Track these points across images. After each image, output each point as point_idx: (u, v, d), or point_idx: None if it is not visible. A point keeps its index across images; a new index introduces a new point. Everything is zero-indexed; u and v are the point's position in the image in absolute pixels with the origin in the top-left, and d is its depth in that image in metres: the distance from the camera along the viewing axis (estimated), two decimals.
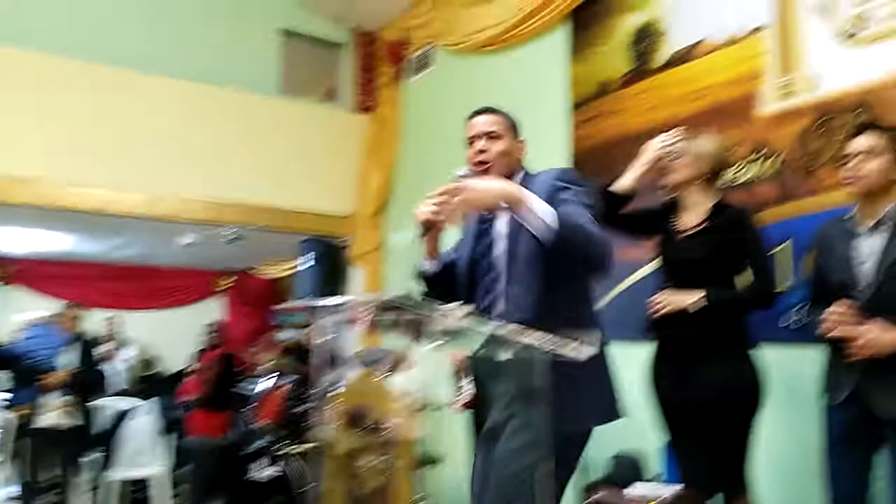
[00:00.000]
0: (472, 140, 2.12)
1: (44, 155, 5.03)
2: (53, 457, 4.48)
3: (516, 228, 1.98)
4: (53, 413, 4.38)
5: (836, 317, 2.23)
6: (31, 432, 4.43)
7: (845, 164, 2.33)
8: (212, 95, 5.74)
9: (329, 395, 2.10)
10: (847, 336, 2.20)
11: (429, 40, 5.81)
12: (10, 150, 4.91)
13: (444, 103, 5.61)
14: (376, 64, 6.53)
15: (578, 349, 1.58)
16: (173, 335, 9.14)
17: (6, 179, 4.91)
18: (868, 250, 2.27)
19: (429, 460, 4.10)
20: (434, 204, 1.93)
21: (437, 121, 5.64)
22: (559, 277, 1.94)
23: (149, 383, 8.78)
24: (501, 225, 2.08)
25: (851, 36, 2.88)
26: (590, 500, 2.99)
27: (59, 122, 5.11)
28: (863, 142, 2.29)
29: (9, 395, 4.90)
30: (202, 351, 6.65)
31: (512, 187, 1.86)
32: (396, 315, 1.86)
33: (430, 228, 2.00)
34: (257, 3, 6.29)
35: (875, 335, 2.14)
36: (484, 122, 2.13)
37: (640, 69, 3.87)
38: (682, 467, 2.64)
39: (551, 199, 1.90)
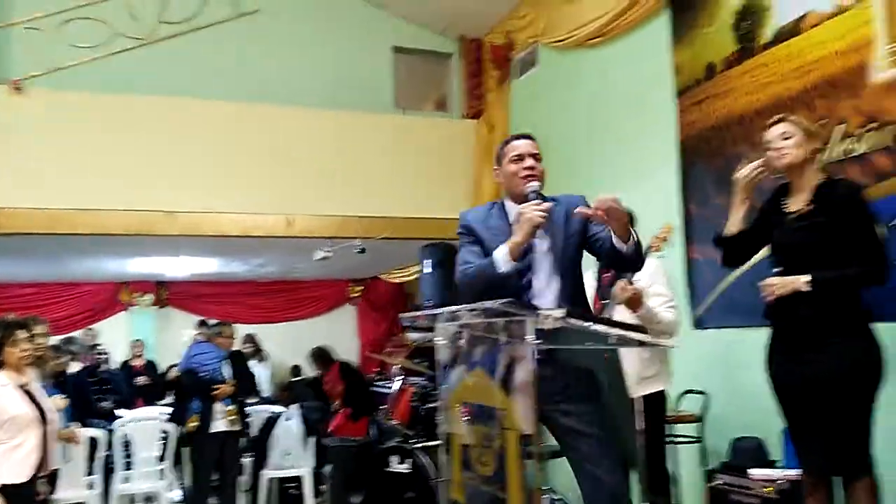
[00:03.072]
0: (519, 157, 2.44)
1: (190, 189, 5.63)
2: (219, 460, 4.94)
3: (559, 239, 2.43)
4: (222, 420, 4.86)
5: None
6: (201, 438, 4.89)
7: None
8: (334, 119, 6.18)
9: (448, 393, 2.26)
10: None
11: (532, 40, 5.91)
12: (157, 187, 5.55)
13: (549, 100, 5.68)
14: (483, 69, 6.69)
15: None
16: (313, 342, 9.76)
17: (157, 215, 5.55)
18: None
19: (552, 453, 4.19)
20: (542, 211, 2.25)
21: (544, 118, 5.70)
22: (579, 277, 2.49)
23: (293, 389, 9.43)
24: (541, 249, 2.44)
25: None
26: (712, 484, 2.98)
27: (200, 158, 5.71)
28: None
29: (171, 408, 5.47)
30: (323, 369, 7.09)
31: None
32: (500, 318, 1.99)
33: (535, 231, 2.29)
34: (369, 26, 6.65)
35: None
36: (530, 145, 2.48)
37: (746, 48, 3.78)
38: (801, 452, 2.60)
39: (586, 223, 2.41)
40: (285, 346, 10.01)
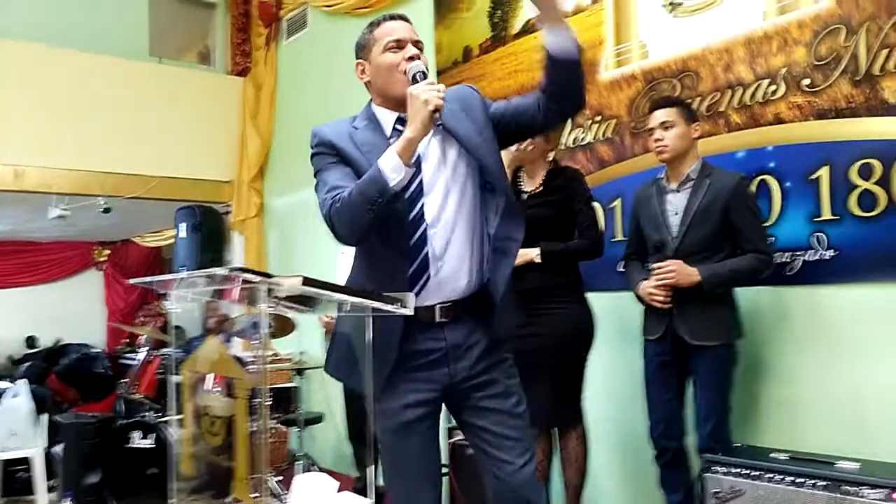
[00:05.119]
0: (398, 45, 1.81)
1: None
2: None
3: (458, 144, 1.81)
4: None
5: (651, 290, 2.55)
6: None
7: (651, 135, 2.64)
8: (78, 61, 5.52)
9: (185, 363, 2.16)
10: (661, 299, 2.52)
11: (302, 1, 5.76)
12: None
13: (318, 65, 5.60)
14: (252, 25, 6.40)
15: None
16: (52, 310, 8.80)
17: None
18: (676, 206, 2.56)
19: (309, 420, 4.24)
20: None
21: (313, 82, 5.63)
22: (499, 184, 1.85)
23: (25, 362, 8.46)
24: (433, 162, 1.81)
25: (676, 6, 3.12)
26: (452, 440, 3.21)
27: None
28: (659, 115, 2.58)
29: None
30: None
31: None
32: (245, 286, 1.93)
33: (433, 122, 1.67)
34: None
35: (679, 268, 2.46)
36: (410, 29, 1.86)
37: (499, 36, 4.02)
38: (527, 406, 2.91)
39: (485, 107, 1.89)
40: (19, 314, 8.92)
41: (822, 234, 2.58)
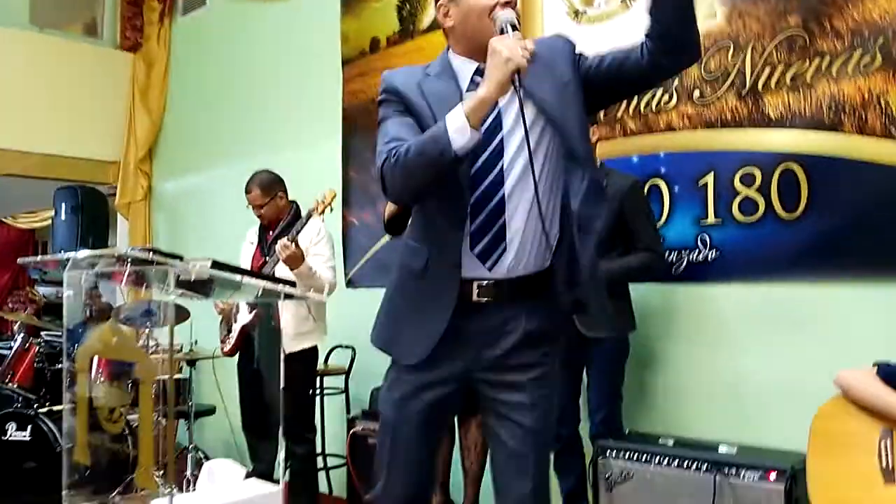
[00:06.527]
0: None
1: None
2: None
3: (548, 99, 1.57)
4: None
5: None
6: None
7: None
8: None
9: (75, 350, 2.05)
10: None
11: None
12: None
13: (216, 45, 5.40)
14: None
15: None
16: None
17: None
18: None
19: (199, 412, 4.11)
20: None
21: (209, 63, 5.42)
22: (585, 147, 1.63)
23: None
24: (511, 119, 1.57)
25: (581, 14, 3.26)
26: (353, 430, 3.21)
27: None
28: None
29: None
30: None
31: None
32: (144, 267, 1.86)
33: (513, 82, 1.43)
34: None
35: None
36: None
37: (407, 30, 4.04)
38: None
39: (575, 56, 1.65)
40: None
41: (706, 235, 2.78)
